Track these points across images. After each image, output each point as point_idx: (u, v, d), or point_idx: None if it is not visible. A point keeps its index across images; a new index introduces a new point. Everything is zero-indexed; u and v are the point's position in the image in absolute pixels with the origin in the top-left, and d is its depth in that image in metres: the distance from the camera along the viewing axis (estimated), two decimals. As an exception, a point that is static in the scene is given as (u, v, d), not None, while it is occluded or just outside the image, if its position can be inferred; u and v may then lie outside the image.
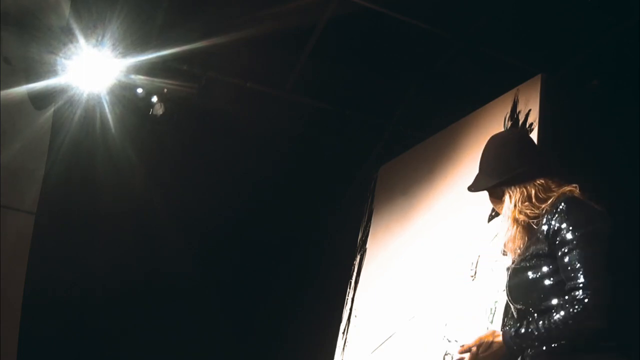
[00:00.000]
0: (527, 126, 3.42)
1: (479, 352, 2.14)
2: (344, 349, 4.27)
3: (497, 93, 3.82)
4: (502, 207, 2.25)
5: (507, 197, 2.23)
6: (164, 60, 4.16)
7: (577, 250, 2.00)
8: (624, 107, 4.01)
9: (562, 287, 2.02)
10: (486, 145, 2.35)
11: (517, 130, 2.39)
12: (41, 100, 4.04)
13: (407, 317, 3.73)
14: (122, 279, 4.77)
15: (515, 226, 2.19)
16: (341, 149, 5.02)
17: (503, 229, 2.26)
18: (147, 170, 4.56)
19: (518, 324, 2.12)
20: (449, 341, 3.22)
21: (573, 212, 2.06)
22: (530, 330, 2.03)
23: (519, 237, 2.20)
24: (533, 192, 2.18)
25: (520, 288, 2.15)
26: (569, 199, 2.10)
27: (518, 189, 2.19)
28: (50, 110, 4.15)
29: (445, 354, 3.26)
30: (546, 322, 2.00)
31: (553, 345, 2.00)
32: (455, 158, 3.94)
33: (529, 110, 3.47)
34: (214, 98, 4.47)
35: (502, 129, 3.60)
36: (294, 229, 5.32)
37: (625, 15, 3.83)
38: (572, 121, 4.02)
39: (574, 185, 2.18)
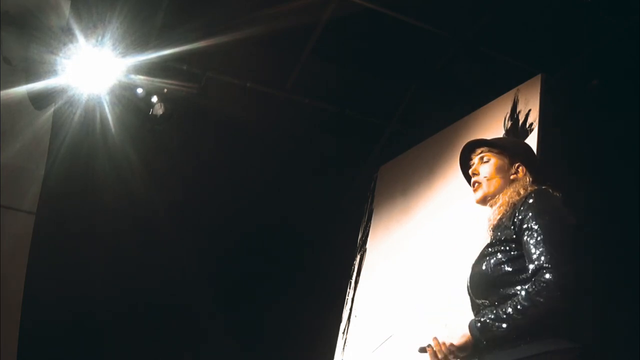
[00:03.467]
0: (527, 126, 3.42)
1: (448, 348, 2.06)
2: (344, 349, 4.26)
3: (497, 93, 3.82)
4: (488, 171, 2.39)
5: (513, 168, 2.36)
6: (164, 60, 4.16)
7: (543, 235, 2.01)
8: (624, 107, 4.00)
9: (523, 275, 2.02)
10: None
11: None
12: (41, 100, 4.03)
13: (407, 317, 3.72)
14: (122, 278, 4.78)
15: (505, 196, 2.27)
16: (341, 149, 5.02)
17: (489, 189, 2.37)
18: (147, 170, 4.56)
19: (482, 313, 2.08)
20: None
21: (540, 202, 2.12)
22: (495, 315, 1.98)
23: (502, 206, 2.25)
24: (525, 181, 2.31)
25: (480, 278, 2.16)
26: (538, 192, 2.18)
27: (527, 172, 2.34)
28: (50, 110, 4.14)
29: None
30: (510, 306, 1.95)
31: (515, 333, 1.94)
32: (455, 158, 3.91)
33: (529, 110, 3.47)
34: (214, 98, 4.47)
35: (502, 129, 3.61)
36: (293, 229, 5.31)
37: (625, 15, 3.83)
38: (572, 121, 4.02)
39: (548, 184, 2.27)
